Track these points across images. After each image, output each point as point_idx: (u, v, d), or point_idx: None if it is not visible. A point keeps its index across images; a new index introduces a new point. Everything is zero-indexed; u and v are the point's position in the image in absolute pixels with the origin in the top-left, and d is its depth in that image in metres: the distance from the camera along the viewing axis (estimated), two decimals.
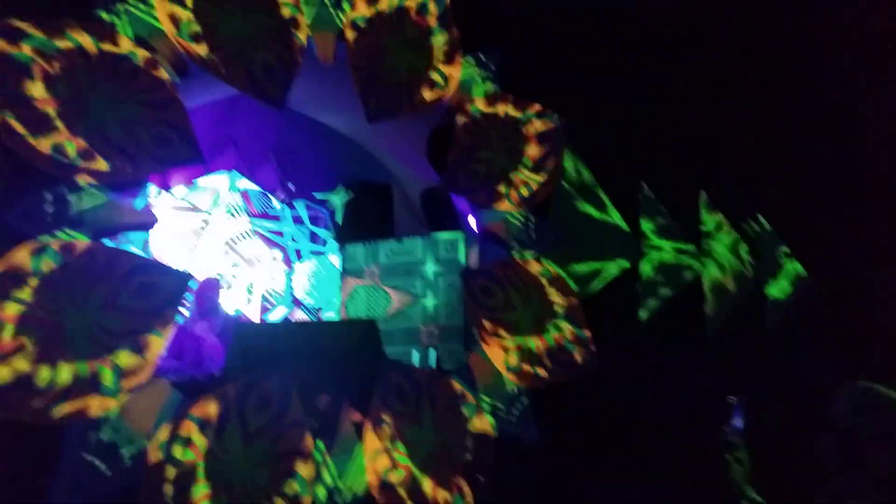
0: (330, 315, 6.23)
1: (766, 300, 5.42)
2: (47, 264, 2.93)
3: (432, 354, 5.04)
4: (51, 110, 3.02)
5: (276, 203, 6.26)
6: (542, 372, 4.08)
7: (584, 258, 4.66)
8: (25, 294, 2.83)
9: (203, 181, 5.88)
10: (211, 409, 3.20)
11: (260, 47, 3.59)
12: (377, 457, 3.45)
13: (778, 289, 5.54)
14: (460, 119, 4.30)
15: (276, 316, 6.09)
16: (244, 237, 6.08)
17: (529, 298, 4.19)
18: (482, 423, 3.81)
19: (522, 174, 4.46)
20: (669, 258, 5.07)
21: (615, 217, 4.88)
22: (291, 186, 6.31)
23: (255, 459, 3.14)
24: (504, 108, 4.48)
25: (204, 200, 5.90)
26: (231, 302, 5.85)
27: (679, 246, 5.15)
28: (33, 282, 2.87)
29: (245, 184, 6.10)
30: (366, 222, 6.23)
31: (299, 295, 6.22)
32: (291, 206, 6.30)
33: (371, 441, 3.44)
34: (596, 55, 5.07)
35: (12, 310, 2.82)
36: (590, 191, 4.84)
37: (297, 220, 6.32)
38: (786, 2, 5.48)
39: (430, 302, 5.50)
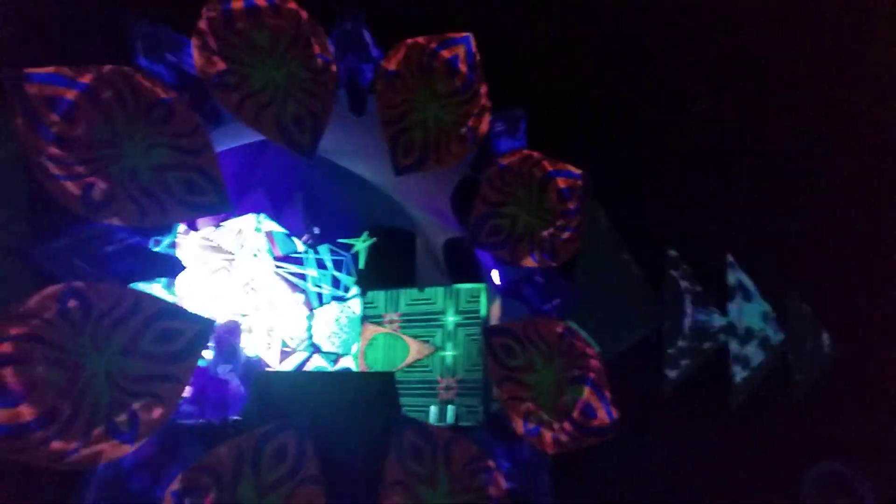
0: (348, 361, 6.18)
1: (791, 372, 5.29)
2: (73, 305, 2.94)
3: (450, 410, 4.96)
4: (86, 153, 3.08)
5: (300, 246, 6.29)
6: (562, 436, 3.98)
7: (608, 319, 4.60)
8: (50, 334, 2.84)
9: (229, 222, 5.93)
10: (226, 458, 3.15)
11: (291, 97, 3.65)
12: None
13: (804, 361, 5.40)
14: (486, 173, 4.31)
15: (295, 360, 6.06)
16: (267, 279, 6.08)
17: (551, 359, 4.12)
18: (499, 488, 3.71)
19: (547, 231, 4.44)
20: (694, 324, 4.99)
21: (639, 278, 4.83)
22: (316, 230, 6.36)
23: None
24: (530, 165, 4.49)
25: (229, 241, 5.94)
26: (251, 345, 5.82)
27: (706, 312, 5.07)
28: (58, 322, 2.88)
29: (270, 226, 6.15)
30: (388, 269, 6.24)
31: (319, 340, 6.19)
32: (315, 251, 6.33)
33: (386, 502, 3.36)
34: (621, 113, 5.09)
35: (36, 349, 2.82)
36: (615, 250, 4.80)
37: (321, 265, 6.33)
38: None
39: (449, 354, 5.45)
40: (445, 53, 4.28)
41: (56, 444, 2.79)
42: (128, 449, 2.96)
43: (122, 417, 2.92)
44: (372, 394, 3.99)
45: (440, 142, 4.15)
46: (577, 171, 4.59)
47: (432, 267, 6.19)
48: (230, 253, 5.90)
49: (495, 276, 5.07)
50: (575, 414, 4.11)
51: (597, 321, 4.54)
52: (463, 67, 4.29)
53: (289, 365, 6.03)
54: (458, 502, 3.55)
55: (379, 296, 5.87)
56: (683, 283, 4.99)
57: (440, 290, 5.60)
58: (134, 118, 3.18)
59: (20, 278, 2.86)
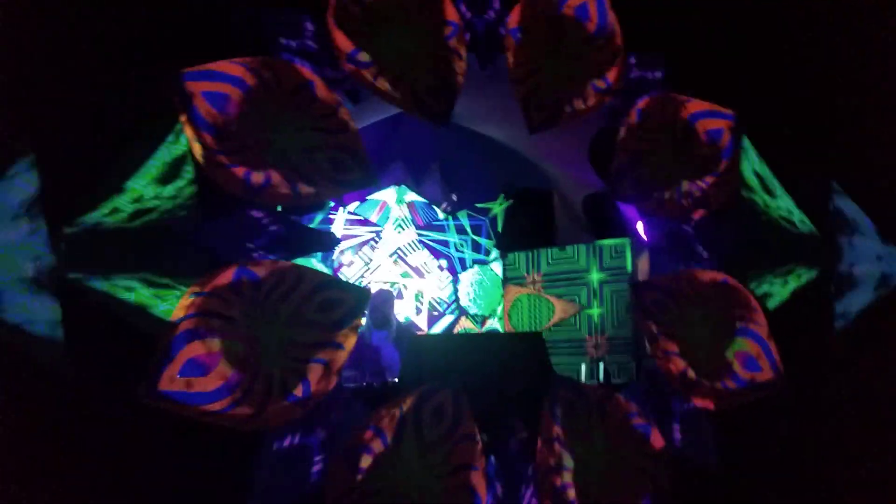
0: (494, 323, 6.29)
1: None
2: (244, 281, 3.21)
3: (601, 368, 4.91)
4: (242, 141, 3.31)
5: (440, 214, 6.44)
6: (723, 392, 3.81)
7: (768, 267, 4.29)
8: (230, 311, 3.12)
9: (373, 196, 6.21)
10: (389, 418, 3.32)
11: (423, 67, 3.69)
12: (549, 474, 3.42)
13: None
14: (625, 122, 4.13)
15: (443, 324, 6.27)
16: (412, 248, 6.32)
17: (707, 312, 3.92)
18: (657, 443, 3.63)
19: (696, 177, 4.19)
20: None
21: (801, 220, 4.45)
22: (454, 197, 6.48)
23: (430, 471, 3.23)
24: (672, 108, 4.25)
25: (374, 214, 6.23)
26: (402, 311, 6.10)
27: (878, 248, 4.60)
28: (232, 298, 3.16)
29: (411, 196, 6.35)
30: (527, 230, 6.24)
31: (464, 303, 6.35)
32: (455, 217, 6.46)
33: (542, 458, 3.41)
34: (769, 51, 4.66)
35: (216, 324, 3.11)
36: (772, 193, 4.44)
37: (461, 230, 6.46)
38: None
39: (595, 311, 5.38)
40: (573, 1, 4.12)
41: (239, 409, 3.08)
42: (302, 411, 3.21)
43: (294, 382, 3.16)
44: (522, 353, 4.03)
45: (574, 94, 4.03)
46: (726, 112, 4.28)
47: (572, 224, 6.09)
48: (376, 225, 6.19)
49: (641, 228, 4.90)
50: (736, 368, 3.91)
51: (757, 269, 4.25)
52: (593, 14, 4.11)
53: (438, 328, 6.26)
54: (616, 458, 3.52)
55: (520, 257, 5.88)
56: (850, 224, 4.54)
57: (582, 247, 5.50)
58: (281, 104, 3.37)
59: (197, 260, 3.17)
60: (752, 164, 4.42)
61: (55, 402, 3.09)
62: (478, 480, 3.28)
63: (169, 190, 3.24)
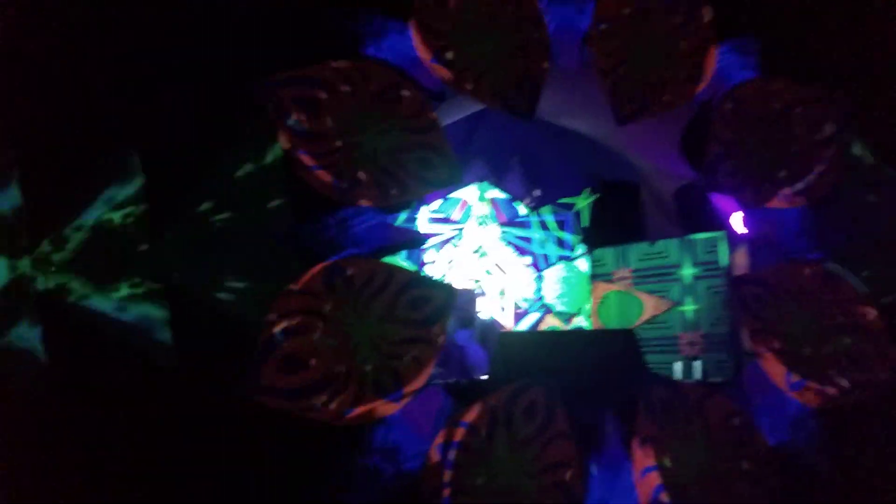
0: (581, 321, 6.19)
1: None
2: (337, 280, 3.30)
3: (697, 366, 4.75)
4: (332, 144, 3.40)
5: (523, 210, 6.40)
6: (829, 390, 3.60)
7: (876, 259, 4.03)
8: (323, 308, 3.22)
9: (455, 193, 6.24)
10: (480, 415, 3.33)
11: (506, 63, 3.68)
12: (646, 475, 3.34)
13: None
14: (718, 110, 3.98)
15: (528, 322, 6.23)
16: (495, 245, 6.31)
17: (811, 307, 3.72)
18: (761, 444, 3.47)
19: (796, 164, 3.98)
20: None
21: None
22: (538, 192, 6.42)
23: (523, 468, 3.21)
24: (768, 95, 4.05)
25: (456, 212, 6.25)
26: (486, 309, 6.10)
27: None
28: (327, 295, 3.25)
29: (493, 193, 6.34)
30: (614, 225, 6.11)
31: (550, 300, 6.28)
32: (538, 213, 6.40)
33: (639, 458, 3.33)
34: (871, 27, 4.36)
35: (312, 321, 3.21)
36: (882, 182, 4.16)
37: (544, 226, 6.40)
38: None
39: (689, 308, 5.21)
40: None
41: (335, 404, 3.16)
42: (395, 407, 3.27)
43: (387, 378, 3.22)
44: (615, 351, 3.96)
45: (664, 83, 3.90)
46: (828, 96, 4.04)
47: (662, 218, 5.92)
48: (458, 222, 6.22)
49: (737, 221, 4.71)
50: (842, 366, 3.69)
51: (863, 263, 3.99)
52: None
53: (523, 326, 6.22)
54: (718, 460, 3.39)
55: (607, 253, 5.76)
56: None
57: (674, 241, 5.35)
58: (368, 106, 3.45)
59: (291, 261, 3.28)
60: (856, 150, 4.16)
61: (164, 399, 3.29)
62: (572, 479, 3.23)
63: (262, 193, 3.38)
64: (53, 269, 3.28)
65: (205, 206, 3.31)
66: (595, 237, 6.15)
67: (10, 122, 3.32)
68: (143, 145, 3.32)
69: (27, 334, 3.28)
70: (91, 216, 3.33)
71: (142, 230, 3.29)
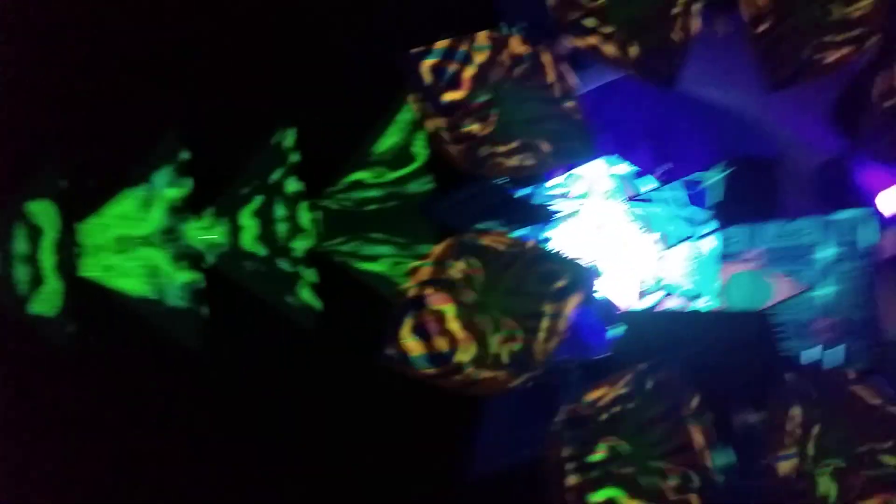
0: (707, 302, 5.95)
1: None
2: (469, 252, 3.37)
3: (835, 353, 4.48)
4: (468, 116, 3.44)
5: (651, 185, 6.19)
6: None
7: None
8: (454, 279, 3.30)
9: (582, 167, 6.10)
10: (606, 394, 3.32)
11: (652, 29, 3.55)
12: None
13: None
14: (883, 75, 3.65)
15: (651, 300, 6.06)
16: (620, 221, 6.15)
17: None
18: None
19: None
20: None
21: None
22: (668, 166, 6.17)
23: (651, 449, 3.17)
24: None
25: (582, 186, 6.13)
26: (608, 287, 5.99)
27: None
28: (459, 268, 3.32)
29: (620, 167, 6.16)
30: (748, 201, 5.80)
31: (675, 280, 6.07)
32: (667, 188, 6.17)
33: (777, 444, 3.20)
34: None
35: (444, 292, 3.30)
36: None
37: (673, 202, 6.16)
38: None
39: (828, 291, 4.90)
40: None
41: (462, 375, 3.25)
42: (521, 380, 3.31)
43: (517, 350, 3.26)
44: (746, 333, 3.82)
45: (824, 46, 3.61)
46: None
47: (801, 195, 5.56)
48: (583, 197, 6.09)
49: (884, 201, 4.33)
50: None
51: None
52: None
53: (646, 305, 6.06)
54: (865, 449, 3.20)
55: (739, 231, 5.49)
56: None
57: (812, 220, 5.02)
58: (504, 76, 3.45)
59: (428, 232, 3.38)
60: None
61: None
62: (703, 460, 3.17)
63: (403, 166, 3.48)
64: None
65: (351, 176, 3.46)
66: (727, 214, 5.86)
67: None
68: (296, 122, 3.51)
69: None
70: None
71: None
